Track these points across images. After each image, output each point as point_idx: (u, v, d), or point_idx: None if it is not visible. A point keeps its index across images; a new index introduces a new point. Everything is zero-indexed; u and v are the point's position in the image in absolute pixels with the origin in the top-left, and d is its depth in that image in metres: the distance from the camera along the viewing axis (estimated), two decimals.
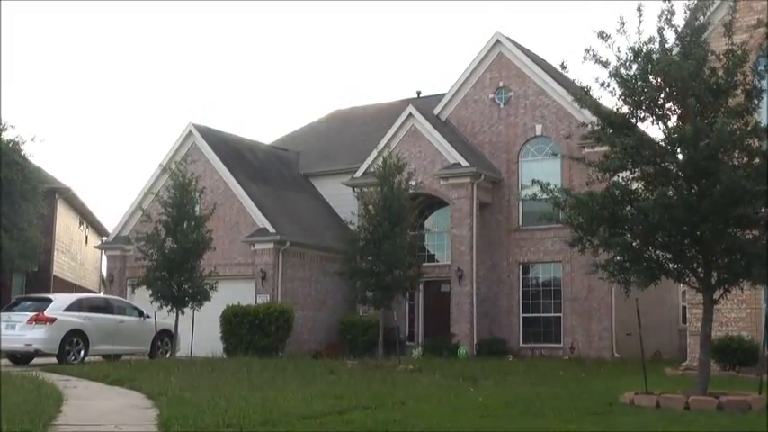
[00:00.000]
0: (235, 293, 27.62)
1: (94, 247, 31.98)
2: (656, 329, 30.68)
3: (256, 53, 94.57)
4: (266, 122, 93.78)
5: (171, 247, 23.20)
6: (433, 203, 30.54)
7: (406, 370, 20.79)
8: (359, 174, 30.70)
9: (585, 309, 27.70)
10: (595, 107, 12.92)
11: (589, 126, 13.84)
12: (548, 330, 28.60)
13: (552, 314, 28.58)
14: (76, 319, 23.54)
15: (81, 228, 44.45)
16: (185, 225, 23.34)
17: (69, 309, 23.71)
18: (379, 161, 30.21)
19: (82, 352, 23.50)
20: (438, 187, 29.28)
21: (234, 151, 31.27)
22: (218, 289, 24.17)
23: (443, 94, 33.52)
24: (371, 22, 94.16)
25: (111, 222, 57.08)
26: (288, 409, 12.26)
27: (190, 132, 30.71)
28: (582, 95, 12.91)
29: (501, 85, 30.07)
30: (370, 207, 22.61)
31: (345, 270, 22.99)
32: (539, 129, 29.19)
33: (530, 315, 28.93)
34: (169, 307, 23.42)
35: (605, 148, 27.31)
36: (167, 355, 25.58)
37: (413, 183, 23.62)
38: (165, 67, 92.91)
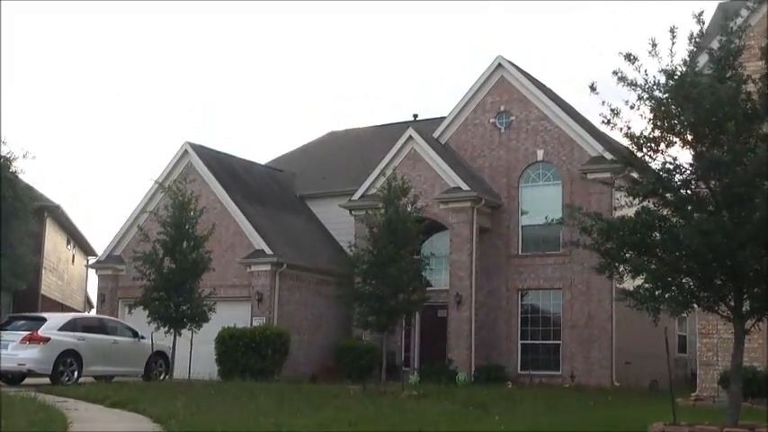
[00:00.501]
0: (229, 315, 27.10)
1: (86, 266, 31.43)
2: (653, 358, 30.42)
3: (251, 71, 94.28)
4: (260, 141, 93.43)
5: (169, 267, 22.74)
6: (431, 227, 30.20)
7: (410, 396, 20.39)
8: (356, 196, 30.39)
9: (585, 336, 27.41)
10: (625, 130, 12.62)
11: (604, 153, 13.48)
12: (546, 358, 28.29)
13: (551, 341, 28.28)
14: (71, 339, 23.03)
15: (68, 247, 43.82)
16: (184, 245, 22.91)
17: (63, 328, 23.22)
18: (378, 184, 30.03)
19: (76, 373, 23.00)
20: (437, 211, 28.99)
21: (229, 171, 30.91)
22: (215, 310, 23.72)
23: (441, 118, 33.31)
24: (365, 44, 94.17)
25: (97, 241, 56.49)
26: None
27: (185, 151, 30.32)
28: (611, 117, 12.61)
29: (502, 109, 29.91)
30: (375, 229, 22.27)
31: (347, 293, 22.61)
32: (540, 154, 29.02)
33: (528, 342, 28.61)
34: (166, 328, 22.91)
35: (606, 174, 27.21)
36: (162, 377, 25.11)
37: (418, 206, 23.26)
38: (157, 84, 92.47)
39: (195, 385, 21.15)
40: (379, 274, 21.50)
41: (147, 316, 22.93)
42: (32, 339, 22.39)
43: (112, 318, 25.65)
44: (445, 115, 34.24)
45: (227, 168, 30.87)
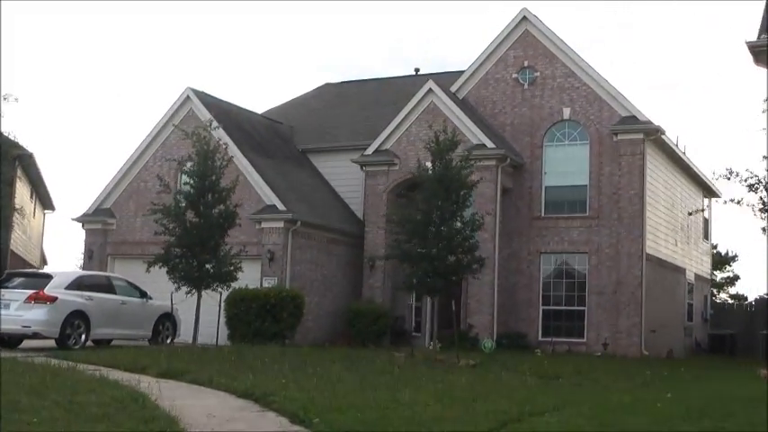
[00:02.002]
0: None
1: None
2: (669, 328, 29.63)
3: (238, 19, 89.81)
4: (248, 92, 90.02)
5: (192, 222, 20.76)
6: None
7: (467, 365, 18.97)
8: (370, 151, 28.61)
9: (613, 303, 26.27)
10: None
11: None
12: (569, 324, 27.10)
13: (575, 307, 27.06)
14: (78, 298, 21.01)
15: (32, 199, 41.04)
16: (210, 197, 20.96)
17: (70, 287, 21.18)
18: (394, 138, 28.42)
19: (83, 336, 20.99)
20: None
21: (233, 120, 28.72)
22: (242, 269, 21.86)
23: (448, 73, 31.75)
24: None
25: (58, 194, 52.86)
26: (449, 420, 10.24)
27: (187, 97, 28.06)
28: None
29: (526, 64, 28.32)
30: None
31: (395, 254, 20.93)
32: (567, 112, 27.56)
33: (550, 308, 27.36)
34: (187, 288, 20.97)
35: (639, 135, 25.95)
36: (169, 341, 23.32)
37: (473, 161, 21.64)
38: (138, 31, 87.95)
39: (228, 351, 19.34)
40: (430, 234, 19.94)
41: (168, 274, 20.90)
42: (38, 299, 20.29)
43: (119, 276, 23.48)
44: (452, 70, 32.80)
45: (231, 118, 28.66)
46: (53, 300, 20.35)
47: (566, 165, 27.53)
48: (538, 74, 28.14)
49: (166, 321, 23.65)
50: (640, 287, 25.94)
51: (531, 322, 27.31)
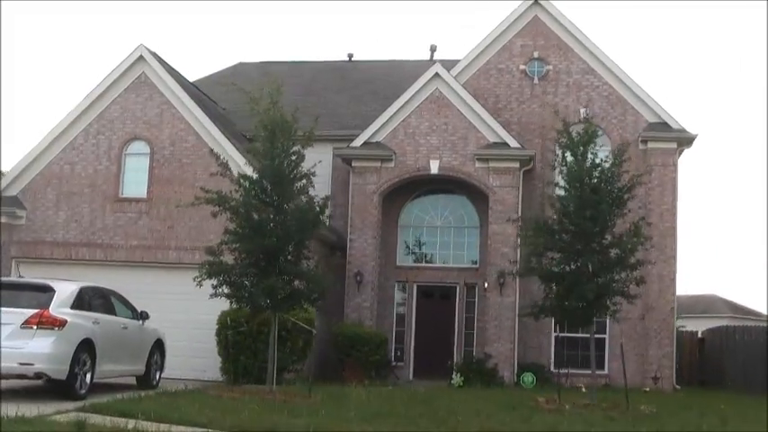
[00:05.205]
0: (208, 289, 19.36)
1: None
2: None
3: None
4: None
5: (268, 220, 15.10)
6: (435, 189, 24.81)
7: (650, 412, 15.09)
8: (358, 143, 23.73)
9: (640, 331, 23.43)
10: None
11: None
12: (586, 354, 23.82)
13: (594, 335, 23.80)
14: (86, 322, 14.61)
15: None
16: (287, 187, 15.40)
17: (75, 305, 14.61)
18: (387, 130, 23.96)
19: (88, 376, 14.52)
20: (473, 171, 23.31)
21: (195, 96, 22.62)
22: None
23: (381, 62, 27.92)
24: None
25: None
26: None
27: (140, 57, 21.63)
28: None
29: (536, 55, 24.77)
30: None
31: (532, 270, 16.51)
32: (584, 113, 24.40)
33: (565, 335, 23.95)
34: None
35: (672, 145, 23.51)
36: (158, 378, 17.33)
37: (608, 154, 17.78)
38: None
39: (344, 393, 13.96)
40: (587, 245, 15.87)
41: (217, 288, 15.00)
42: (43, 323, 13.69)
43: (110, 288, 16.73)
44: (395, 58, 29.10)
45: (192, 91, 22.52)
46: (62, 324, 13.83)
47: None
48: (550, 67, 24.75)
49: (156, 352, 17.53)
50: (672, 313, 23.34)
51: (541, 351, 23.78)
